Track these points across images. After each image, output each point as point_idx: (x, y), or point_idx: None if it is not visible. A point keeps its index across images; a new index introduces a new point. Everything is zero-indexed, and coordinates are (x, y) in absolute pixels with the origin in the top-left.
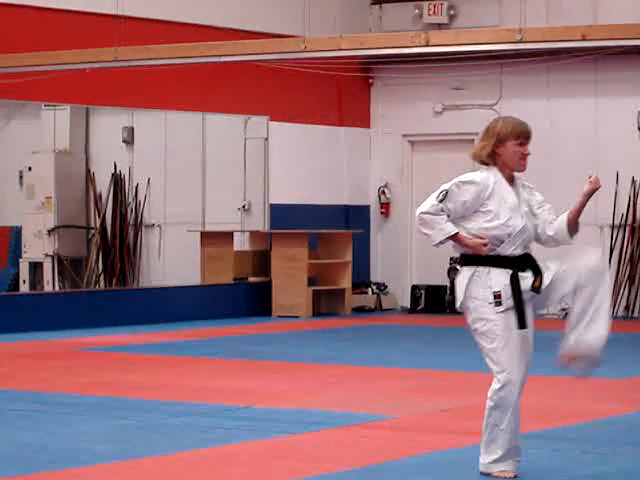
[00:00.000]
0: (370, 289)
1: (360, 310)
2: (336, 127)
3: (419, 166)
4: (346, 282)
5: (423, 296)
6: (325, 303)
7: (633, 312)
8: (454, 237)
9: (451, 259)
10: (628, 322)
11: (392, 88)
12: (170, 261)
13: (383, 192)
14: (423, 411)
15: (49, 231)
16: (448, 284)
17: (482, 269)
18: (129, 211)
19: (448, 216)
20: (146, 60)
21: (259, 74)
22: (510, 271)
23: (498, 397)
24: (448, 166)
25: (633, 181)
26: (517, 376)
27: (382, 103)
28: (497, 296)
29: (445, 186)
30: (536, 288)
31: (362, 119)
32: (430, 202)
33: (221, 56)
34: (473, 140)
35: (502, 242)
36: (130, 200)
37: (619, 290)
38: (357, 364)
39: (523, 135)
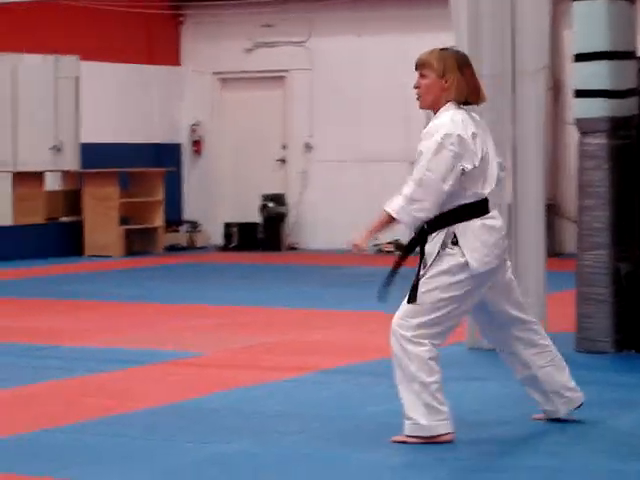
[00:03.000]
0: (183, 227)
1: (173, 249)
2: (147, 66)
3: (230, 104)
4: (158, 221)
5: (236, 233)
6: (138, 242)
7: None
8: None
9: (263, 196)
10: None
11: (202, 26)
12: None
13: (194, 130)
14: (232, 347)
15: None
16: (261, 221)
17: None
18: None
19: None
20: None
21: (69, 13)
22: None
23: None
24: (259, 103)
25: None
26: None
27: (193, 41)
28: None
29: None
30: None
31: (173, 57)
32: None
33: None
34: (283, 77)
35: None
36: None
37: None
38: (167, 302)
39: None
